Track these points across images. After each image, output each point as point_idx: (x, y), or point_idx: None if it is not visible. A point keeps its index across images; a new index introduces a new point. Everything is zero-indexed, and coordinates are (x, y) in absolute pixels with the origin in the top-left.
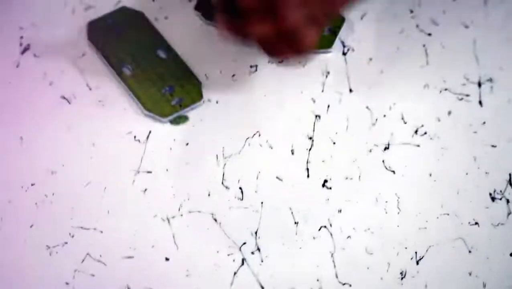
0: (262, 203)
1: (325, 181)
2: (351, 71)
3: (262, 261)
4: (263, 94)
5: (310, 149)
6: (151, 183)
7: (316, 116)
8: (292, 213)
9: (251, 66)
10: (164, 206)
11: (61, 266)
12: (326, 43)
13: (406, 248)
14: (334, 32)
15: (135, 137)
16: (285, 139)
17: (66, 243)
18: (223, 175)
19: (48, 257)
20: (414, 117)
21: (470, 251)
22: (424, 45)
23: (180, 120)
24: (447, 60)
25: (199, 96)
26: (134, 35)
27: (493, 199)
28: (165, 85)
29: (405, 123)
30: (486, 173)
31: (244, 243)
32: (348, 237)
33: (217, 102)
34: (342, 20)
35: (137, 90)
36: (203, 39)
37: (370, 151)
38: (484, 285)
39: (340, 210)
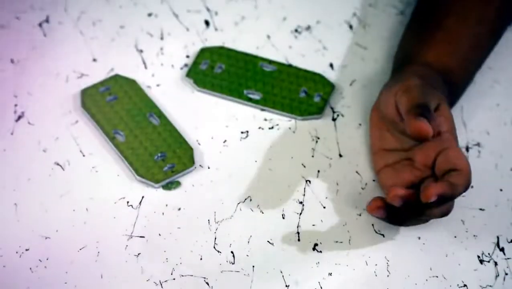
0: (253, 267)
1: (316, 244)
2: (341, 137)
3: None
4: (254, 160)
5: (300, 214)
6: (144, 248)
7: (306, 180)
8: (283, 276)
9: (242, 132)
10: (157, 270)
11: None
12: (316, 110)
13: None
14: (324, 99)
15: (128, 202)
16: (276, 203)
17: None
18: (215, 239)
19: None
20: None
21: None
22: None
23: (172, 185)
24: None
25: (191, 162)
26: (126, 102)
27: (481, 261)
28: (158, 151)
29: None
30: (474, 236)
31: None
32: None
33: (208, 168)
34: (331, 86)
35: (130, 156)
36: (194, 105)
37: (360, 215)
38: None
39: (331, 273)
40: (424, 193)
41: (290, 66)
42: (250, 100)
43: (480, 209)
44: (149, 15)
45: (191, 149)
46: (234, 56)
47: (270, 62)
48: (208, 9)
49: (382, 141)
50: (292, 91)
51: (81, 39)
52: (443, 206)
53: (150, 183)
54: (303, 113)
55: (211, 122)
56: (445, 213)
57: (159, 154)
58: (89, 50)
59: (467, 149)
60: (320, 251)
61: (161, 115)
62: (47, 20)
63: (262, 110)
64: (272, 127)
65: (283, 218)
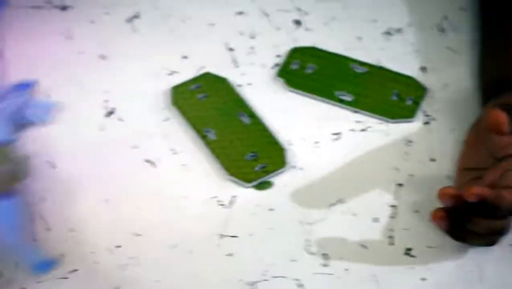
0: (346, 270)
1: (408, 249)
2: (433, 141)
3: None
4: (346, 162)
5: (393, 217)
6: (236, 248)
7: (398, 184)
8: (377, 280)
9: (333, 134)
10: (249, 271)
11: None
12: (408, 113)
13: None
14: (416, 102)
15: (219, 201)
16: (368, 206)
17: None
18: (307, 241)
19: None
20: None
21: None
22: None
23: (264, 185)
24: None
25: (283, 163)
26: (217, 100)
27: None
28: (249, 150)
29: None
30: None
31: None
32: None
33: (301, 169)
34: (424, 90)
35: (221, 155)
36: (285, 105)
37: None
38: None
39: (424, 278)
40: (467, 190)
41: (381, 68)
42: (341, 101)
43: None
44: (239, 13)
45: (283, 149)
46: (325, 56)
47: (361, 63)
48: (298, 9)
49: (468, 160)
50: (383, 93)
51: (171, 36)
52: (492, 221)
53: (241, 183)
54: (395, 116)
55: (302, 122)
56: (497, 231)
57: (251, 153)
58: (179, 47)
59: None
60: (413, 256)
61: (252, 114)
62: (136, 16)
63: (355, 112)
64: (364, 130)
65: (375, 221)
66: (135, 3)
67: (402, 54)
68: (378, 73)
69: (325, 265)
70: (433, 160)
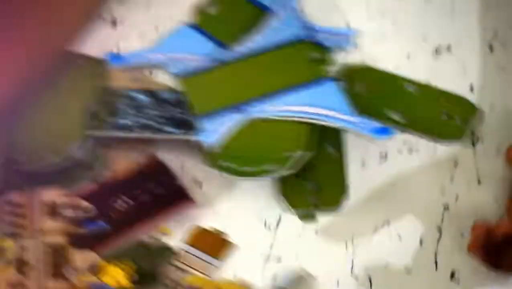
0: None
1: (453, 273)
2: (480, 162)
3: None
4: (393, 183)
5: (438, 240)
6: (281, 270)
7: (444, 206)
8: None
9: (380, 155)
10: None
11: None
12: (458, 133)
13: None
14: (466, 123)
15: (265, 222)
16: (414, 229)
17: None
18: (352, 262)
19: None
20: None
21: None
22: None
23: (308, 217)
24: None
25: (339, 203)
26: None
27: None
28: (315, 180)
29: None
30: None
31: None
32: None
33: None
34: (475, 110)
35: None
36: None
37: None
38: None
39: None
40: (496, 227)
41: (432, 87)
42: (390, 120)
43: None
44: None
45: (344, 190)
46: (375, 74)
47: (411, 82)
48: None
49: None
50: (433, 113)
51: None
52: None
53: (289, 207)
54: (444, 136)
55: (351, 142)
56: None
57: (315, 183)
58: None
59: None
60: (458, 280)
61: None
62: None
63: (402, 131)
64: (411, 150)
65: (421, 244)
66: None
67: (450, 72)
68: (428, 91)
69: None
70: (479, 182)
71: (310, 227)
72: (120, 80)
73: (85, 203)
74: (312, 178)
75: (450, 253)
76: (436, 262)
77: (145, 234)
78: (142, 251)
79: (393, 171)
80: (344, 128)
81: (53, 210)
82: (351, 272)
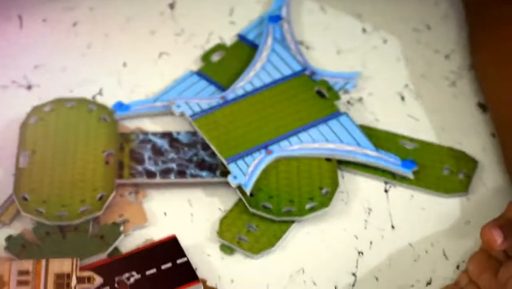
0: None
1: None
2: (393, 208)
3: None
4: (306, 231)
5: (353, 285)
6: None
7: (359, 252)
8: None
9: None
10: None
11: None
12: (461, 187)
13: None
14: (468, 176)
15: None
16: (329, 275)
17: None
18: None
19: None
20: (456, 253)
21: None
22: None
23: (227, 250)
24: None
25: (261, 252)
26: None
27: None
28: (256, 223)
29: (447, 259)
30: None
31: None
32: None
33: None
34: (475, 163)
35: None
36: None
37: (412, 286)
38: None
39: None
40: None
41: (430, 143)
42: (394, 178)
43: None
44: None
45: None
46: (375, 134)
47: (410, 139)
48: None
49: None
50: (435, 169)
51: None
52: None
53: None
54: (449, 191)
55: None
56: None
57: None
58: None
59: None
60: None
61: None
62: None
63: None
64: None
65: None
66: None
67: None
68: (427, 148)
69: None
70: (393, 227)
71: (227, 276)
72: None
73: (94, 275)
74: (254, 220)
75: None
76: None
77: None
78: None
79: (307, 220)
80: (369, 163)
81: (61, 281)
82: None
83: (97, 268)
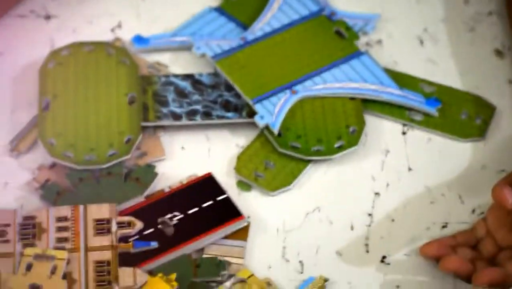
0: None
1: (384, 257)
2: (410, 150)
3: None
4: (324, 171)
5: (369, 225)
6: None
7: (375, 193)
8: (351, 287)
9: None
10: None
11: None
12: (478, 132)
13: None
14: (485, 121)
15: None
16: (345, 215)
17: None
18: (284, 248)
19: None
20: (471, 198)
21: None
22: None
23: (244, 186)
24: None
25: (277, 189)
26: None
27: None
28: (274, 160)
29: (463, 203)
30: None
31: None
32: None
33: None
34: (492, 109)
35: None
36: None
37: (428, 229)
38: None
39: (398, 286)
40: (476, 277)
41: (450, 87)
42: (412, 120)
43: None
44: None
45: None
46: (394, 77)
47: (429, 82)
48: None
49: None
50: (453, 113)
51: None
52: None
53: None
54: (466, 135)
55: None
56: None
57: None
58: None
59: None
60: (388, 263)
61: None
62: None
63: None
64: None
65: (352, 229)
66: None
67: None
68: (446, 92)
69: (300, 272)
70: (410, 169)
71: (243, 211)
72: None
73: (134, 220)
74: (272, 157)
75: (381, 238)
76: (366, 246)
77: (194, 248)
78: (188, 265)
79: (324, 161)
80: (393, 101)
81: (101, 226)
82: (283, 256)
83: (137, 211)
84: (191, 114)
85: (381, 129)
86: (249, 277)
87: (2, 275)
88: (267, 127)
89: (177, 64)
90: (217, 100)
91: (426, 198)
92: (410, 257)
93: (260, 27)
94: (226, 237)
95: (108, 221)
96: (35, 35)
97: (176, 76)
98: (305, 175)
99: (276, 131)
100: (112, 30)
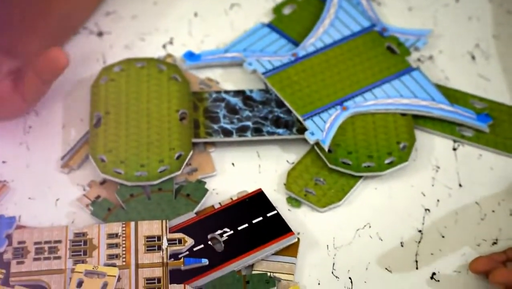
0: None
1: (434, 273)
2: (461, 166)
3: None
4: (374, 187)
5: (419, 242)
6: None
7: (425, 209)
8: None
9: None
10: None
11: None
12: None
13: None
14: None
15: None
16: (395, 231)
17: None
18: (333, 264)
19: None
20: None
21: None
22: None
23: (294, 203)
24: None
25: (327, 206)
26: None
27: None
28: (325, 177)
29: None
30: None
31: None
32: None
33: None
34: None
35: None
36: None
37: (478, 245)
38: None
39: None
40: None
41: (499, 103)
42: (463, 137)
43: None
44: None
45: None
46: (445, 93)
47: (479, 98)
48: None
49: None
50: (504, 129)
51: None
52: None
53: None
54: None
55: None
56: None
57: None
58: None
59: None
60: (438, 280)
61: None
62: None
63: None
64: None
65: (402, 245)
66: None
67: None
68: (498, 108)
69: None
70: (460, 185)
71: (293, 228)
72: (193, 84)
73: (185, 237)
74: (322, 174)
75: (431, 255)
76: (416, 263)
77: (243, 265)
78: (238, 281)
79: (374, 177)
80: (444, 117)
81: (152, 243)
82: (332, 272)
83: (188, 227)
84: (242, 130)
85: (431, 145)
86: None
87: None
88: (317, 144)
89: (228, 80)
90: (267, 116)
91: (477, 215)
92: (460, 274)
93: (311, 42)
94: (276, 254)
95: (159, 238)
96: (88, 51)
97: (227, 92)
98: (355, 191)
99: (326, 147)
100: (164, 46)
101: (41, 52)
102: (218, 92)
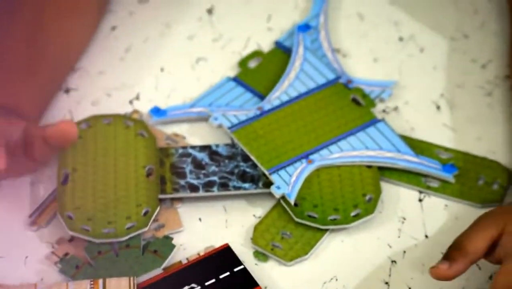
0: None
1: None
2: (427, 217)
3: None
4: (341, 240)
5: None
6: None
7: (392, 261)
8: None
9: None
10: None
11: None
12: (496, 197)
13: None
14: (502, 186)
15: None
16: (362, 283)
17: None
18: None
19: None
20: (489, 264)
21: None
22: None
23: (261, 257)
24: None
25: (293, 260)
26: None
27: None
28: (291, 230)
29: (480, 268)
30: None
31: None
32: None
33: None
34: (506, 174)
35: None
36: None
37: None
38: None
39: None
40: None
41: (465, 153)
42: (428, 188)
43: None
44: None
45: None
46: (410, 144)
47: (445, 149)
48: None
49: None
50: (470, 179)
51: None
52: None
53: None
54: (484, 201)
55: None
56: None
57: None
58: None
59: None
60: None
61: None
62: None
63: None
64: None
65: None
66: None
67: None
68: (463, 158)
69: None
70: (426, 236)
71: (260, 282)
72: (159, 140)
73: None
74: (289, 228)
75: None
76: None
77: None
78: None
79: (339, 229)
80: (410, 168)
81: None
82: None
83: (156, 284)
84: (208, 185)
85: (397, 197)
86: None
87: None
88: (283, 197)
89: (194, 135)
90: (234, 171)
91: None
92: None
93: (277, 96)
94: None
95: None
96: (55, 108)
97: (193, 147)
98: (322, 244)
99: (292, 201)
100: (131, 102)
101: (53, 124)
102: (184, 147)
